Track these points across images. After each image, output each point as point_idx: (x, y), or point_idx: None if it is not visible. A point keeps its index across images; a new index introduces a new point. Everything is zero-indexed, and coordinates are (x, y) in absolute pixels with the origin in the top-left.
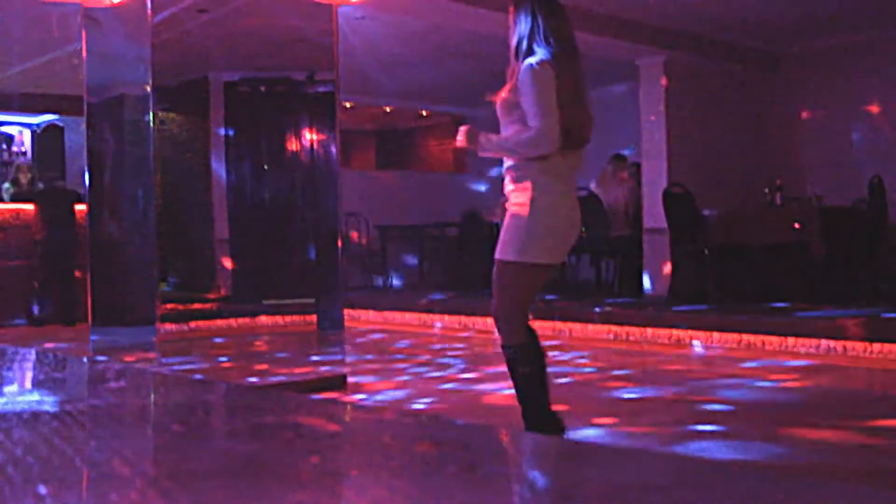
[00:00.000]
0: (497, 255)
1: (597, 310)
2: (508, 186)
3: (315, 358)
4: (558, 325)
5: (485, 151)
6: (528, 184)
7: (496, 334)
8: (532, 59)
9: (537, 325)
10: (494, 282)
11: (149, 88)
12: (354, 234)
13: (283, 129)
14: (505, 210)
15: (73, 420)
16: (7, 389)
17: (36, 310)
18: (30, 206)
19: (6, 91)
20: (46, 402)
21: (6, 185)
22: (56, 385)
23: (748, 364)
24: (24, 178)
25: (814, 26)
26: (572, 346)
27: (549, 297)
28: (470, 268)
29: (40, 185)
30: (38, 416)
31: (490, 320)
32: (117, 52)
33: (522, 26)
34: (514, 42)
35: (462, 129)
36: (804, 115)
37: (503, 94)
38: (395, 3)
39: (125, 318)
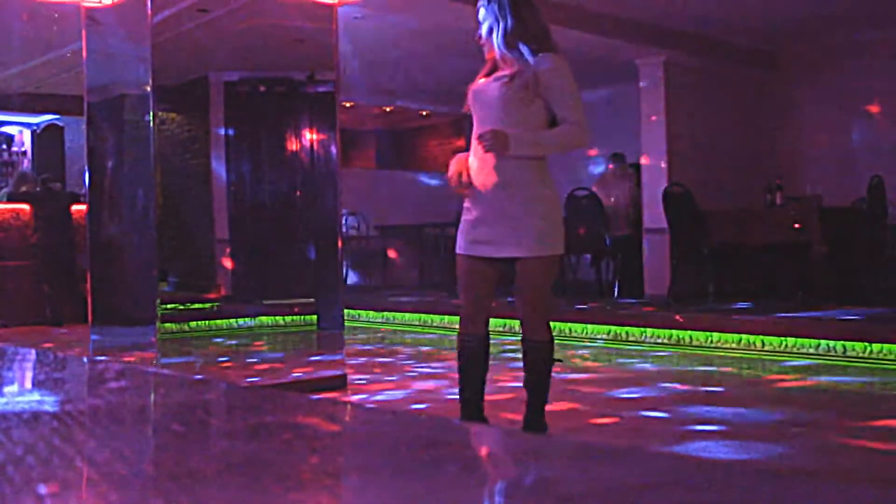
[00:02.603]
0: (537, 253)
1: (596, 310)
2: (515, 178)
3: (315, 358)
4: (558, 325)
5: (520, 150)
6: (543, 176)
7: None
8: (549, 53)
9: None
10: (537, 280)
11: (149, 88)
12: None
13: (283, 129)
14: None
15: (73, 420)
16: (7, 389)
17: (49, 310)
18: (27, 207)
19: (6, 91)
20: (46, 402)
21: (4, 190)
22: (56, 385)
23: (748, 364)
24: (23, 188)
25: (814, 26)
26: (572, 345)
27: None
28: None
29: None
30: (38, 416)
31: (493, 321)
32: (117, 52)
33: (508, 21)
34: (499, 35)
35: (488, 135)
36: (804, 114)
37: (513, 86)
38: (395, 3)
39: (125, 318)
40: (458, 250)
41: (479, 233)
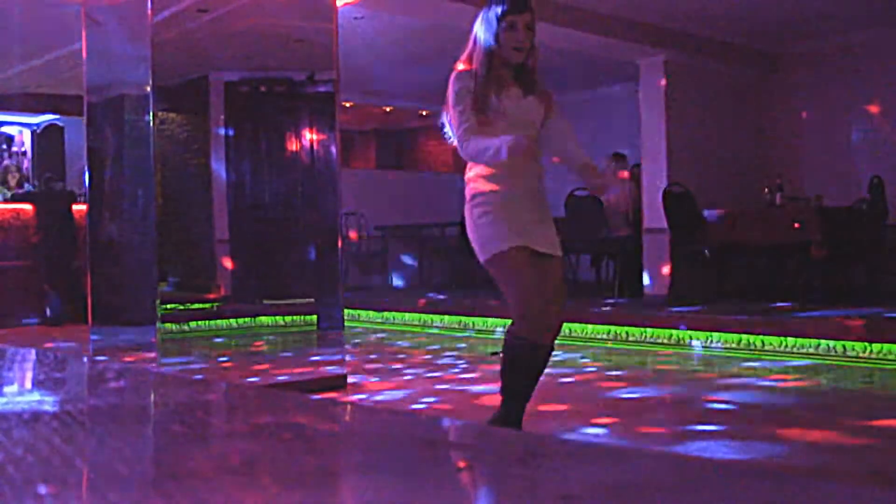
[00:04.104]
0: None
1: (597, 310)
2: (544, 183)
3: (315, 358)
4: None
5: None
6: None
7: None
8: None
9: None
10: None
11: (149, 88)
12: (354, 234)
13: (283, 129)
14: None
15: (73, 420)
16: (7, 389)
17: (48, 310)
18: (29, 207)
19: (6, 91)
20: (46, 402)
21: None
22: (56, 385)
23: (748, 364)
24: (12, 180)
25: (814, 26)
26: (572, 346)
27: None
28: (470, 268)
29: (28, 186)
30: (38, 416)
31: (492, 321)
32: (117, 52)
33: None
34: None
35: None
36: (804, 115)
37: (548, 109)
38: (395, 3)
39: (125, 318)
40: (510, 242)
41: (531, 226)
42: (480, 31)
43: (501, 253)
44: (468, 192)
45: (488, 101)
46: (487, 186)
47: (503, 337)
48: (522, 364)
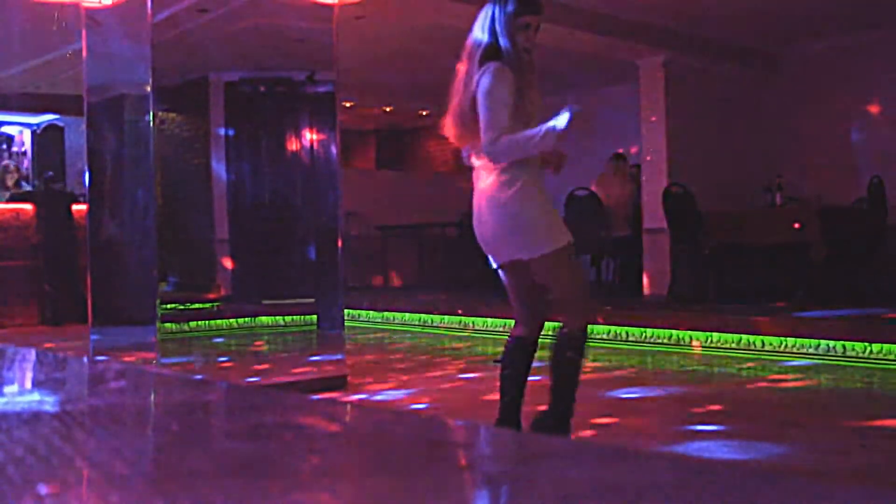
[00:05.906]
0: None
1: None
2: None
3: (315, 358)
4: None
5: None
6: None
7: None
8: None
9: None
10: None
11: (149, 88)
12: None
13: (283, 129)
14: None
15: (73, 420)
16: (7, 389)
17: (49, 310)
18: (29, 207)
19: (6, 91)
20: (46, 402)
21: None
22: (56, 385)
23: (748, 364)
24: (10, 180)
25: (814, 26)
26: None
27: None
28: (470, 268)
29: (27, 186)
30: (38, 416)
31: (492, 321)
32: (117, 52)
33: None
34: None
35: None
36: (804, 115)
37: None
38: (395, 3)
39: (125, 318)
40: (568, 236)
41: None
42: (497, 28)
43: (566, 247)
44: (506, 178)
45: (522, 100)
46: (528, 175)
47: (561, 344)
48: (581, 354)
